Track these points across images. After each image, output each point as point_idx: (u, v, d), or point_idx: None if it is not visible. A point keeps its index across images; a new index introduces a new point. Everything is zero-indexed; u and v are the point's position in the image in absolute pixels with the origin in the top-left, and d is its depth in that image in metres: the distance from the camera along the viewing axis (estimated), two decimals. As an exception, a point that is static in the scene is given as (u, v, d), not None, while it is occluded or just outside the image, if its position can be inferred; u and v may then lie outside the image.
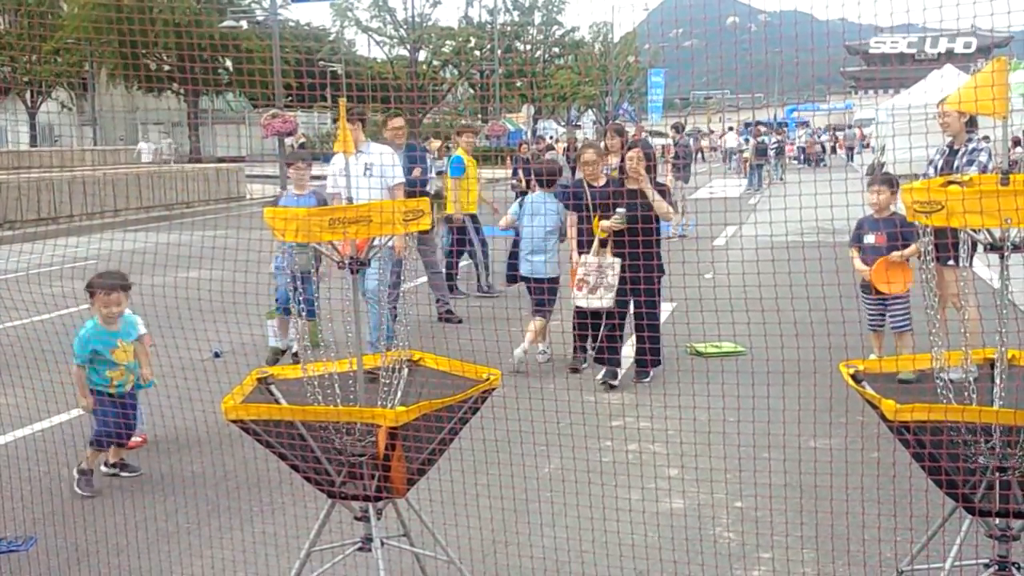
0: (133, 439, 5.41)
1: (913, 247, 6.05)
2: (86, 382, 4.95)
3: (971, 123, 6.42)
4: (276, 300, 7.47)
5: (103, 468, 5.10)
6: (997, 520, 3.10)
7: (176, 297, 5.48)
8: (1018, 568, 3.14)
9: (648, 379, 6.85)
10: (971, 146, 6.32)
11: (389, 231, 3.32)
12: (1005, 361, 3.06)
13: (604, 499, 4.26)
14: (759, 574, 3.89)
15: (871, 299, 6.49)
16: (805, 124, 45.80)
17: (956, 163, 6.30)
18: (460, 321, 8.93)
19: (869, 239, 6.41)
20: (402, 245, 6.22)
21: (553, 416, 4.38)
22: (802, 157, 38.80)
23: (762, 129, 28.89)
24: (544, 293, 7.23)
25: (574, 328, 7.16)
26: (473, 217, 10.47)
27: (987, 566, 3.17)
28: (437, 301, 9.21)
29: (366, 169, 6.91)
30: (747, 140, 29.33)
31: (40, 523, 4.52)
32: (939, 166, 6.45)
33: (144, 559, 4.10)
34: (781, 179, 27.57)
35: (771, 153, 28.87)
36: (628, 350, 7.17)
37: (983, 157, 6.25)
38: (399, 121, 8.44)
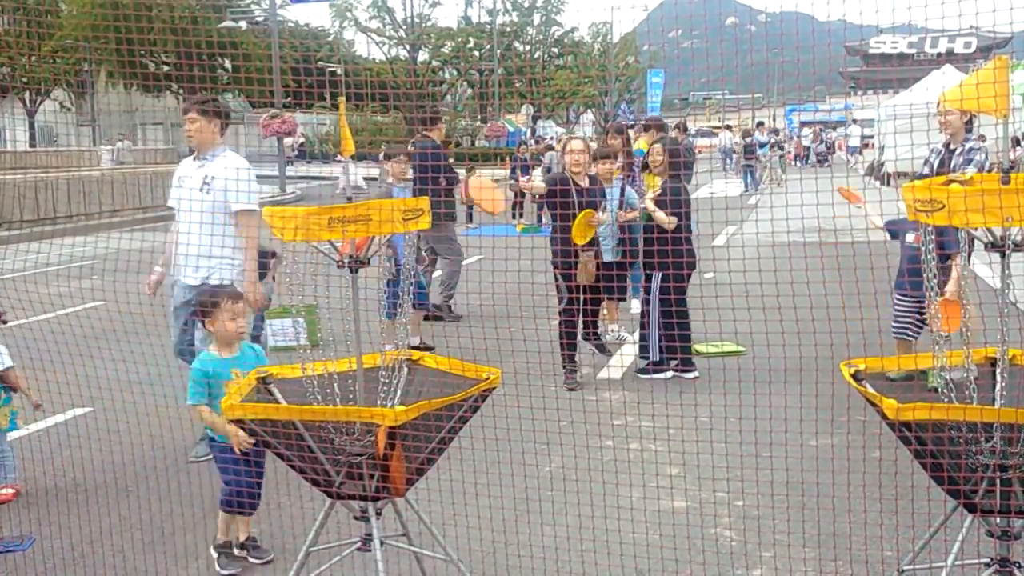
0: (3, 491, 4.83)
1: (952, 285, 5.60)
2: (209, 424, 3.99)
3: (968, 123, 6.37)
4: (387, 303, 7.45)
5: (235, 550, 4.11)
6: (998, 519, 3.09)
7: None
8: (1019, 567, 3.13)
9: (648, 376, 6.89)
10: (968, 145, 6.27)
11: (389, 230, 3.31)
12: (1006, 360, 3.05)
13: (605, 497, 4.26)
14: (760, 573, 3.88)
15: (907, 300, 6.09)
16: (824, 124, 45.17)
17: (953, 163, 6.26)
18: (460, 318, 9.02)
19: (909, 238, 6.02)
20: (254, 296, 5.21)
21: (554, 415, 4.37)
22: (802, 156, 38.77)
23: (753, 130, 28.86)
24: (612, 280, 7.43)
25: (561, 337, 6.94)
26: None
27: (988, 565, 3.17)
28: (444, 294, 9.29)
29: (204, 183, 5.31)
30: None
31: (38, 523, 4.51)
32: (935, 166, 6.39)
33: (141, 559, 4.10)
34: (781, 180, 27.54)
35: (768, 152, 28.81)
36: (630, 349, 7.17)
37: (980, 156, 6.19)
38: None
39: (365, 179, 22.38)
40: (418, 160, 8.15)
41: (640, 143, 10.76)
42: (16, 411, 5.00)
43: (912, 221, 4.92)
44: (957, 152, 6.29)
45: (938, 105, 6.44)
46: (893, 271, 6.14)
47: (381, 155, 9.04)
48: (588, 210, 6.74)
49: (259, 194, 5.55)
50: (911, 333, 6.19)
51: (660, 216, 6.83)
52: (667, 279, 6.72)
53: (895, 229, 6.22)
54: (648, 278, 6.98)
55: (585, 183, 7.02)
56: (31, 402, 4.96)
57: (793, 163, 36.17)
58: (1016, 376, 3.17)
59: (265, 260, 7.67)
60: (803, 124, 44.25)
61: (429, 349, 7.30)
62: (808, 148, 39.21)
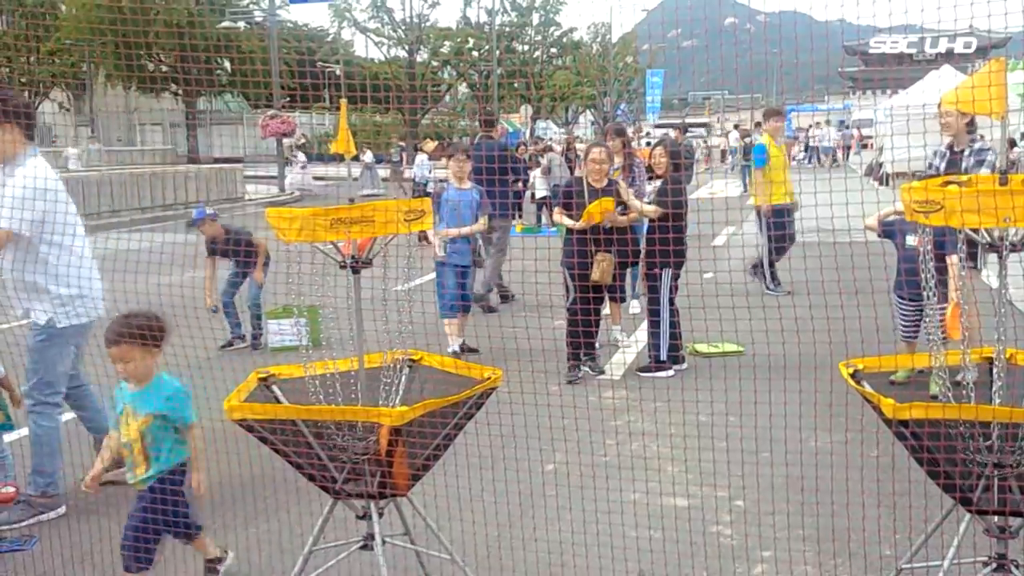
0: (3, 491, 4.70)
1: (953, 293, 5.46)
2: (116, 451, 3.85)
3: (970, 124, 6.35)
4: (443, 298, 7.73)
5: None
6: (995, 518, 3.12)
7: (182, 296, 5.49)
8: (1016, 566, 3.16)
9: (651, 375, 6.98)
10: (977, 146, 6.22)
11: (393, 231, 3.34)
12: (1004, 359, 3.08)
13: (609, 493, 4.29)
14: (760, 571, 3.91)
15: (907, 304, 6.02)
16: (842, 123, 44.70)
17: (964, 164, 6.21)
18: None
19: (911, 241, 5.84)
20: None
21: (557, 413, 4.40)
22: (809, 156, 38.75)
23: (752, 130, 28.82)
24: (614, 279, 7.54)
25: (568, 335, 7.10)
26: (786, 211, 9.74)
27: (985, 564, 3.19)
28: (490, 287, 9.42)
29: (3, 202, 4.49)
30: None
31: (41, 523, 4.53)
32: (941, 168, 6.34)
33: (148, 557, 4.11)
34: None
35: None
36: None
37: (991, 156, 6.12)
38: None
39: (318, 178, 22.37)
40: (485, 160, 8.55)
41: (765, 137, 10.77)
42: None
43: (911, 222, 4.96)
44: (967, 154, 6.25)
45: (939, 106, 6.41)
46: (892, 271, 6.13)
47: (365, 155, 9.52)
48: (607, 198, 6.93)
49: (22, 211, 4.43)
50: (915, 334, 6.10)
51: (645, 208, 7.01)
52: (675, 277, 6.93)
53: (892, 230, 6.18)
54: (651, 277, 7.02)
55: (603, 184, 7.18)
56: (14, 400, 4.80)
57: (792, 163, 36.09)
58: (1013, 375, 3.20)
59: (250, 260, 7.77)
60: (841, 123, 43.94)
61: (473, 351, 7.50)
62: (812, 148, 39.19)
